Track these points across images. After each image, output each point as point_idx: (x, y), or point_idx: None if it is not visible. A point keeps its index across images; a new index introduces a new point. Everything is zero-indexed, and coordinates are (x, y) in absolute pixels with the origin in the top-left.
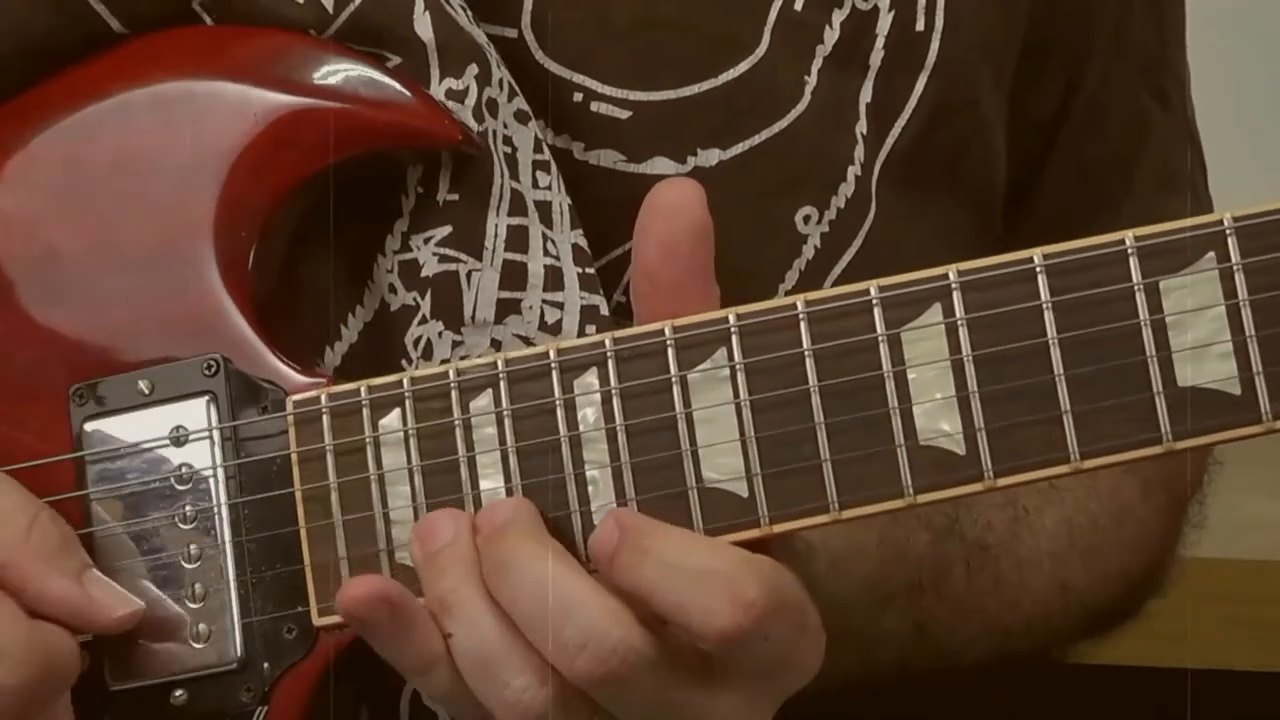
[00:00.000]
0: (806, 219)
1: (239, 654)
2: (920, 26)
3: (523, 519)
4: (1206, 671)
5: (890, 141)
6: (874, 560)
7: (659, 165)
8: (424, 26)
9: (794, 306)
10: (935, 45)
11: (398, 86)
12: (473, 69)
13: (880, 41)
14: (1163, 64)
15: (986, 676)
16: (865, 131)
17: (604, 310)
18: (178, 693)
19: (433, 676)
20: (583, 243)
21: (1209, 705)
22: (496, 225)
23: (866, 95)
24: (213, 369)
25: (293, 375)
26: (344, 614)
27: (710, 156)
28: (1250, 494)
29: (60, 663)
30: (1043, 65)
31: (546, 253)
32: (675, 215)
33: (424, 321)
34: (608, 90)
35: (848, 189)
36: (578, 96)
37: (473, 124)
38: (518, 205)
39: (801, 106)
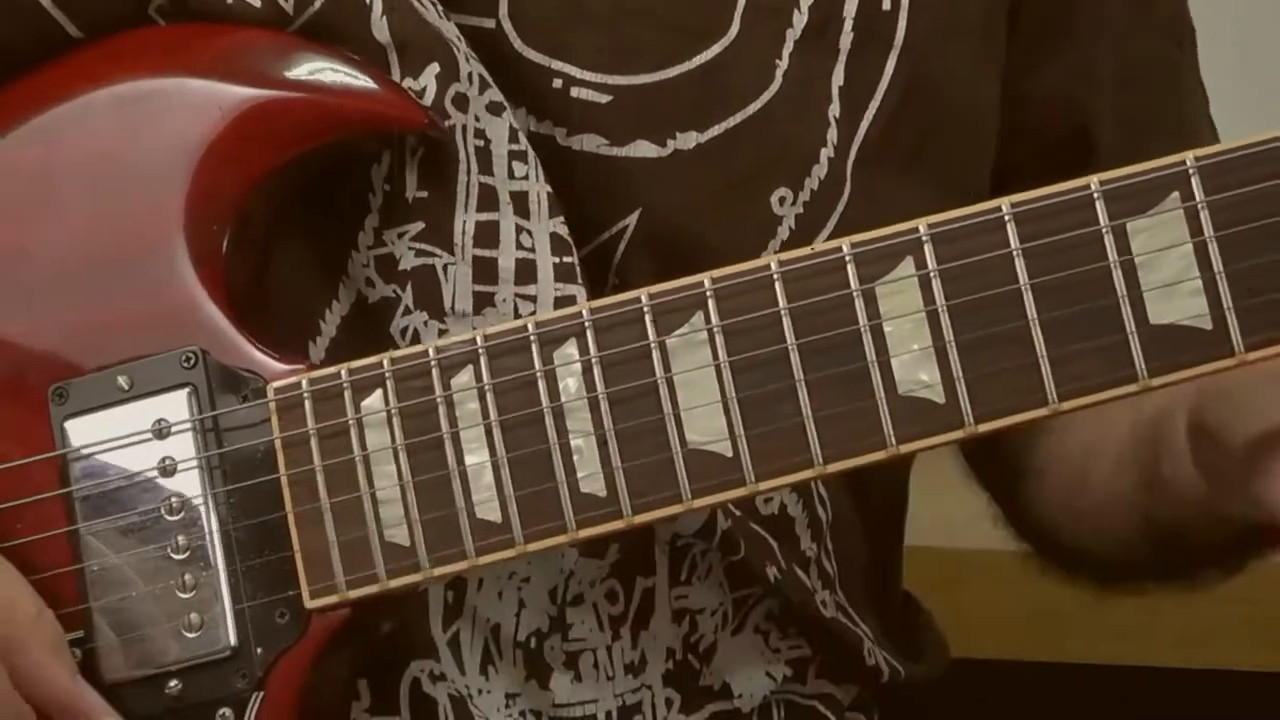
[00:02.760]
0: (781, 200)
1: (231, 641)
2: (887, 6)
3: None
4: (1206, 671)
5: (865, 125)
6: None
7: (641, 148)
8: (381, 30)
9: (768, 267)
10: (903, 23)
11: (362, 74)
12: (433, 68)
13: (849, 24)
14: (1176, 15)
15: (986, 676)
16: (838, 114)
17: (582, 299)
18: (172, 683)
19: None
20: (562, 231)
21: (1209, 705)
22: (464, 222)
23: (839, 79)
24: (191, 361)
25: (272, 364)
26: None
27: (688, 139)
28: None
29: None
30: (1039, 46)
31: (520, 245)
32: None
33: (408, 312)
34: (586, 76)
35: (820, 171)
36: (557, 83)
37: None
38: (488, 200)
39: (773, 89)
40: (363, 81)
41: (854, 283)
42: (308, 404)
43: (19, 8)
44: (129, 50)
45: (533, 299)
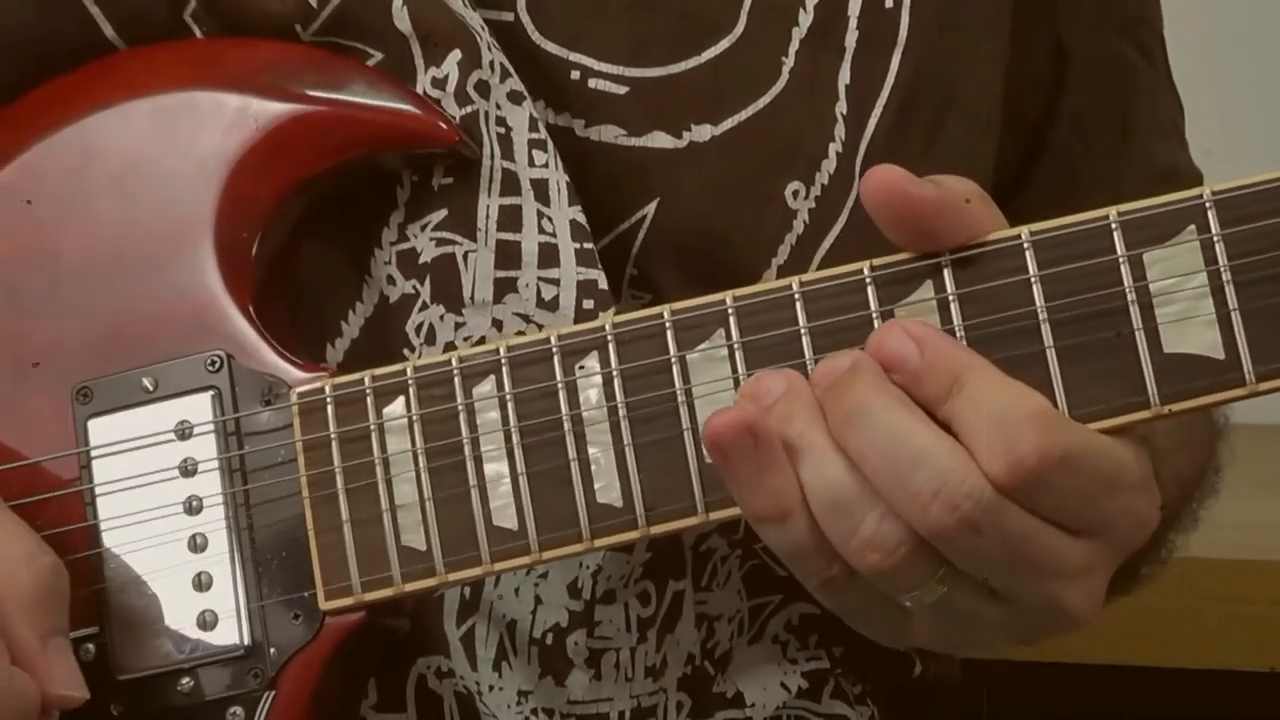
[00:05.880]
0: (795, 194)
1: (246, 640)
2: (889, 3)
3: (866, 369)
4: (1206, 671)
5: (872, 123)
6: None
7: (658, 139)
8: (403, 20)
9: (789, 287)
10: (905, 21)
11: (395, 92)
12: (455, 55)
13: (853, 23)
14: (1141, 20)
15: (987, 676)
16: (845, 111)
17: (602, 284)
18: (185, 680)
19: (788, 525)
20: (581, 219)
21: (1209, 705)
22: (488, 206)
23: (845, 77)
24: (216, 365)
25: (294, 370)
26: (711, 443)
27: (703, 132)
28: (1250, 494)
29: (27, 709)
30: (1030, 30)
31: (541, 230)
32: (889, 211)
33: (424, 308)
34: (604, 67)
35: (830, 166)
36: (575, 74)
37: (455, 108)
38: (510, 185)
39: (779, 86)
40: (395, 98)
41: (874, 304)
42: (330, 408)
43: (60, 2)
44: (165, 62)
45: (555, 282)
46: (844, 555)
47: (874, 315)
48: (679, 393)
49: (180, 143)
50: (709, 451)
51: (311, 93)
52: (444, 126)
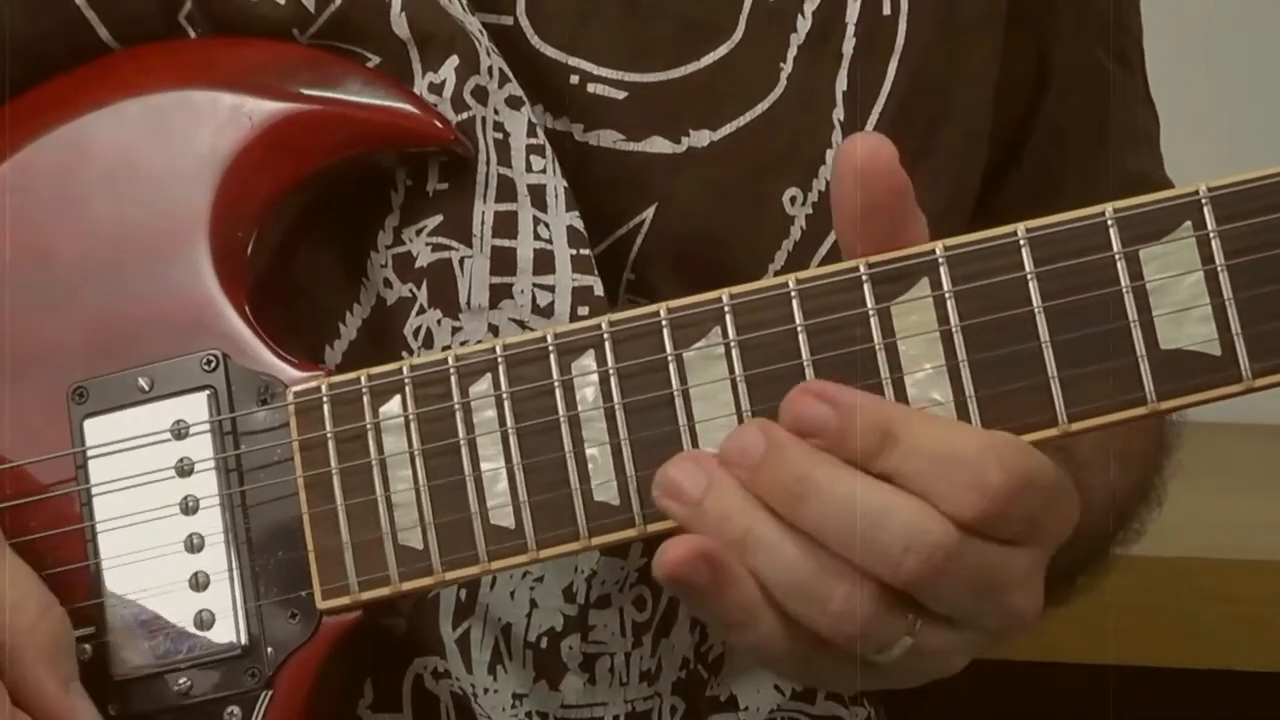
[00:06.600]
0: (793, 200)
1: (243, 640)
2: (887, 10)
3: (788, 443)
4: (1206, 671)
5: (869, 129)
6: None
7: (657, 144)
8: (401, 25)
9: (786, 285)
10: (903, 27)
11: (390, 90)
12: (452, 61)
13: (851, 30)
14: (1120, 25)
15: (986, 677)
16: (843, 118)
17: (598, 291)
18: (182, 680)
19: (758, 626)
20: (578, 225)
21: (1210, 705)
22: (483, 212)
23: (842, 84)
24: (212, 364)
25: (290, 370)
26: (665, 578)
27: (702, 137)
28: (1250, 494)
29: None
30: (1020, 34)
31: (538, 236)
32: (871, 179)
33: (422, 311)
34: (603, 72)
35: (827, 172)
36: (574, 79)
37: (452, 114)
38: (506, 191)
39: (778, 92)
40: (390, 97)
41: (870, 301)
42: (326, 408)
43: (52, 3)
44: (159, 62)
45: (551, 289)
46: (818, 633)
47: (870, 312)
48: (676, 392)
49: (176, 142)
50: (668, 587)
51: (307, 91)
52: (439, 125)
